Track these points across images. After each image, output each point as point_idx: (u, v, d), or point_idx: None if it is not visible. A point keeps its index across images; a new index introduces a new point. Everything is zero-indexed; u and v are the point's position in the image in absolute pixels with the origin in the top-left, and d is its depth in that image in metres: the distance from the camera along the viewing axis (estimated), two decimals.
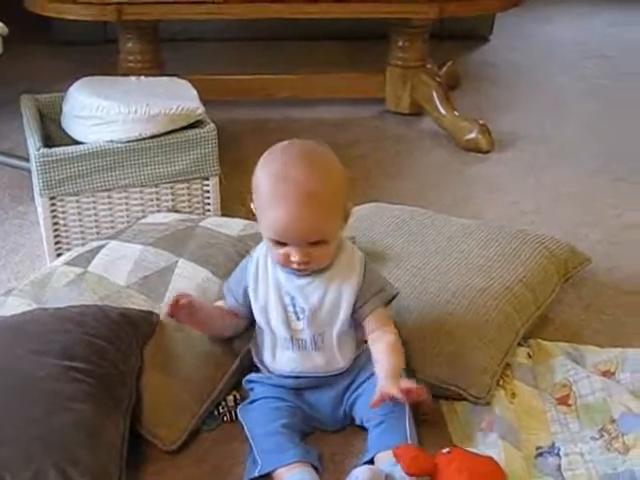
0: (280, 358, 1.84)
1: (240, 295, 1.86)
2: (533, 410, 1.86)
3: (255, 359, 1.89)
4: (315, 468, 1.71)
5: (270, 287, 1.82)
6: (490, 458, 1.65)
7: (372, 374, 1.82)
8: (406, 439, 1.71)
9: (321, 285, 1.80)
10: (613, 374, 1.95)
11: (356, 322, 1.83)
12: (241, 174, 2.87)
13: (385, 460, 1.68)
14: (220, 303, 1.91)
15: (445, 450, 1.66)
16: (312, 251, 1.74)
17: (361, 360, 1.85)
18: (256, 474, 1.70)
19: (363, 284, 1.81)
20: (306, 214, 1.71)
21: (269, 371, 1.86)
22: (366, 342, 1.86)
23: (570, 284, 2.25)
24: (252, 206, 1.81)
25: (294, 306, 1.80)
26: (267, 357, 1.86)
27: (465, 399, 1.86)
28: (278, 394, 1.83)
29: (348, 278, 1.80)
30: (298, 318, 1.81)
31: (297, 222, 1.71)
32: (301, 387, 1.85)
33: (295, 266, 1.76)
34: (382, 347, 1.81)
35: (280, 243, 1.75)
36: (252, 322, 1.88)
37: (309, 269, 1.78)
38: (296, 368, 1.83)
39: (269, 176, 1.73)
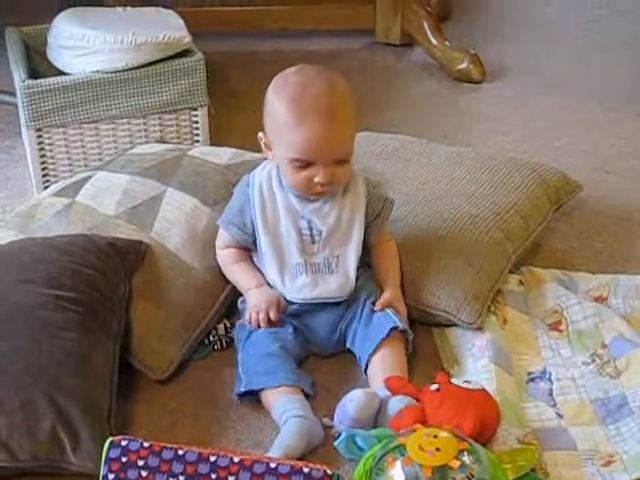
0: (292, 284, 1.81)
1: (247, 224, 1.83)
2: (524, 336, 1.86)
3: None
4: (306, 395, 1.70)
5: (281, 213, 1.81)
6: (483, 391, 1.62)
7: (365, 299, 1.82)
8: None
9: (335, 206, 1.81)
10: (605, 300, 1.95)
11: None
12: (231, 106, 2.87)
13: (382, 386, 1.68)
14: (222, 244, 1.87)
15: (434, 387, 1.63)
16: (336, 170, 1.75)
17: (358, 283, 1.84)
18: (241, 389, 1.70)
19: (370, 203, 1.84)
20: (335, 128, 1.72)
21: None
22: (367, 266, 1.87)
23: (562, 212, 2.24)
24: (260, 136, 1.80)
25: (310, 229, 1.80)
26: (277, 283, 1.82)
27: (456, 325, 1.85)
28: None
29: (357, 198, 1.82)
30: (313, 241, 1.80)
31: (327, 136, 1.71)
32: (302, 313, 1.83)
33: (319, 188, 1.76)
34: (387, 257, 1.88)
35: (302, 166, 1.74)
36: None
37: (329, 191, 1.78)
38: (308, 294, 1.80)
39: (288, 97, 1.74)
